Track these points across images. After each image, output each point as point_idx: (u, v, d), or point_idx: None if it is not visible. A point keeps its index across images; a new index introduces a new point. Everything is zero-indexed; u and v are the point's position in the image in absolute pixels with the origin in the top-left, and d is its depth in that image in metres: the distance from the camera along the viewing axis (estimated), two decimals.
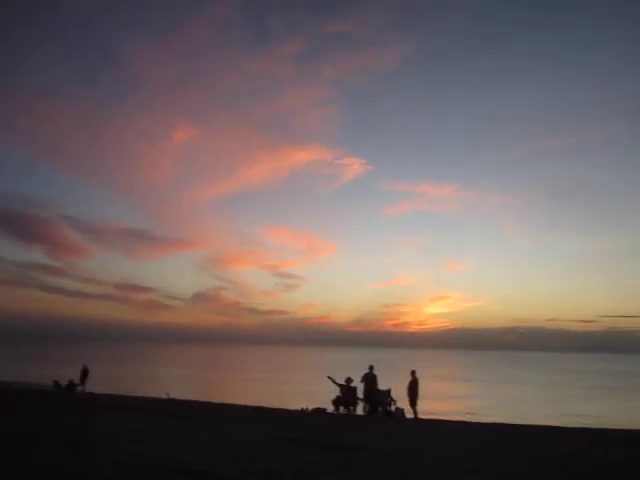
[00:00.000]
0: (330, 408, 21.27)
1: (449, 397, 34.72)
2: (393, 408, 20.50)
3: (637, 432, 17.87)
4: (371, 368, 21.07)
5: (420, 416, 20.21)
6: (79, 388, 28.71)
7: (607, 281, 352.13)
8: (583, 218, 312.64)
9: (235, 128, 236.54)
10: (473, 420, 21.83)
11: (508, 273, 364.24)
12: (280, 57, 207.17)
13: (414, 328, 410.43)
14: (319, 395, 26.59)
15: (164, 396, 24.61)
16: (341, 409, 21.06)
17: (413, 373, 20.86)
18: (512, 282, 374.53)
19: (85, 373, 29.77)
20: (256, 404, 23.20)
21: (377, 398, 20.53)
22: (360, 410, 21.09)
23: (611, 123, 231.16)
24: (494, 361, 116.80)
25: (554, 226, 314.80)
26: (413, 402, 20.39)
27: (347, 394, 20.99)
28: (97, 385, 29.92)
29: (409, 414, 20.54)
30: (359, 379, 20.99)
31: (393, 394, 20.96)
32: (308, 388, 36.02)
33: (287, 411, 21.04)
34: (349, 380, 21.24)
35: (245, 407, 21.60)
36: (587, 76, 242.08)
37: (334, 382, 21.81)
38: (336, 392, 21.70)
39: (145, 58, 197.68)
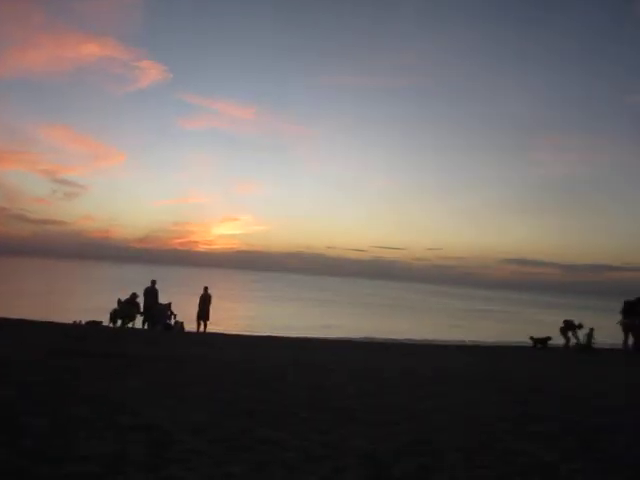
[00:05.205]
0: (106, 321, 20.71)
1: (230, 314, 36.29)
2: (172, 321, 20.81)
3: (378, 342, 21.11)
4: (153, 283, 20.96)
5: (208, 330, 21.08)
6: None
7: (380, 215, 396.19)
8: (367, 156, 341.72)
9: (9, 0, 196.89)
10: (250, 333, 23.27)
11: (297, 201, 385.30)
12: None
13: (202, 248, 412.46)
14: (95, 308, 25.57)
15: None
16: (118, 323, 20.64)
17: (206, 289, 21.57)
18: (300, 210, 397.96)
19: None
20: (25, 317, 21.46)
21: (157, 312, 20.60)
22: (139, 324, 20.95)
23: (419, 72, 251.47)
24: (276, 282, 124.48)
25: (342, 160, 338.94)
26: (204, 316, 21.08)
27: (125, 307, 20.57)
28: None
29: (190, 327, 21.17)
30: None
31: (174, 308, 21.19)
32: (83, 302, 34.32)
33: (58, 324, 19.97)
34: (134, 295, 20.79)
35: (12, 320, 19.91)
36: (400, 21, 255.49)
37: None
38: (114, 305, 21.11)
39: None
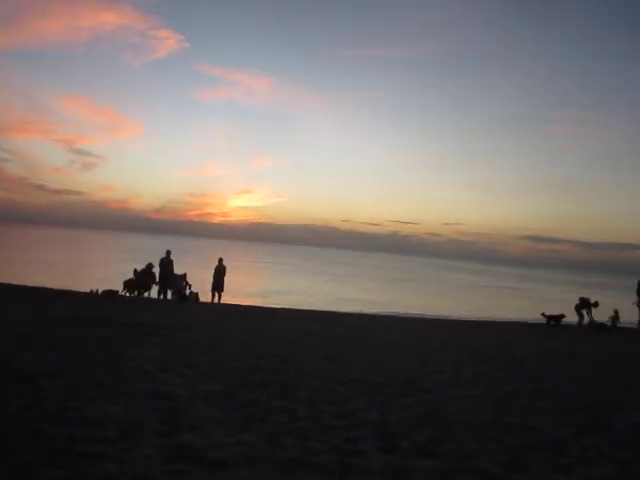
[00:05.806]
0: (122, 291, 20.98)
1: (244, 285, 36.59)
2: (187, 292, 21.04)
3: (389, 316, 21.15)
4: (168, 253, 21.15)
5: (222, 301, 21.31)
6: None
7: (397, 190, 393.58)
8: (384, 130, 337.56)
9: None
10: (265, 305, 23.42)
11: (313, 174, 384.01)
12: None
13: (218, 219, 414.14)
14: (112, 278, 25.93)
15: None
16: (134, 293, 20.89)
17: (220, 260, 21.74)
18: (316, 183, 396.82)
19: None
20: (44, 285, 21.85)
21: (172, 282, 20.81)
22: (154, 294, 21.20)
23: (436, 43, 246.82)
24: (291, 254, 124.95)
25: (359, 133, 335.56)
26: (219, 287, 21.31)
27: (141, 277, 20.80)
28: None
29: (205, 298, 21.40)
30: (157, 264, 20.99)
31: (189, 279, 21.38)
32: (100, 271, 34.82)
33: (75, 293, 20.32)
34: (150, 266, 21.01)
35: (31, 288, 20.30)
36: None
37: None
38: (130, 275, 21.36)
39: None
